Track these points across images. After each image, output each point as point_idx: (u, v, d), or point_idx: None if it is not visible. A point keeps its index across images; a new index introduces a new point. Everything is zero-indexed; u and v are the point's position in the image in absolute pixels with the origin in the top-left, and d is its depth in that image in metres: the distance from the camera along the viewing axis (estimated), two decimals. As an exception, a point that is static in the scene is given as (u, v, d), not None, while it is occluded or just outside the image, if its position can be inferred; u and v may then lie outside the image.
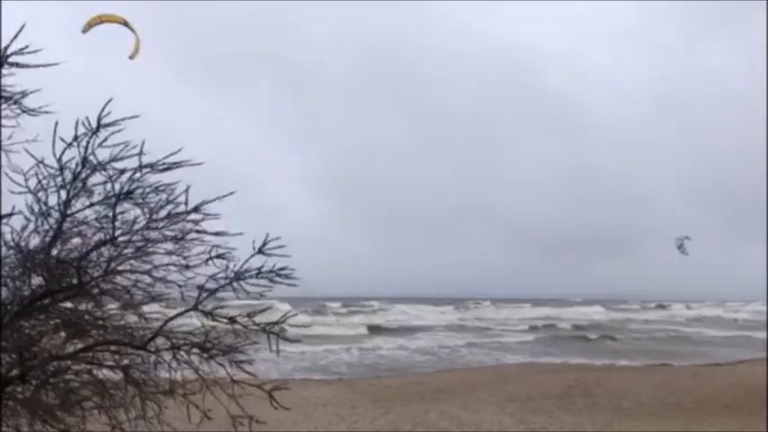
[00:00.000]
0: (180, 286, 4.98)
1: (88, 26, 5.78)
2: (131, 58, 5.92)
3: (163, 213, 4.81)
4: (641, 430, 11.90)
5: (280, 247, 4.82)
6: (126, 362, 4.91)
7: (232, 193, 4.92)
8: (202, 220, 4.83)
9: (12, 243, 4.69)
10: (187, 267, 4.92)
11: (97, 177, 4.77)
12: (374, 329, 40.16)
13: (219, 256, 4.83)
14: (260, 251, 4.81)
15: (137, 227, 4.85)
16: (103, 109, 4.58)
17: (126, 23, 5.94)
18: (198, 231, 4.85)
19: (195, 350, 4.98)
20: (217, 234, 4.86)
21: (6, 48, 4.36)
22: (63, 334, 4.84)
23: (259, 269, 4.86)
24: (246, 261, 4.81)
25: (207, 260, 4.84)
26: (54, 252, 4.78)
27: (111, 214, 4.75)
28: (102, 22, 5.83)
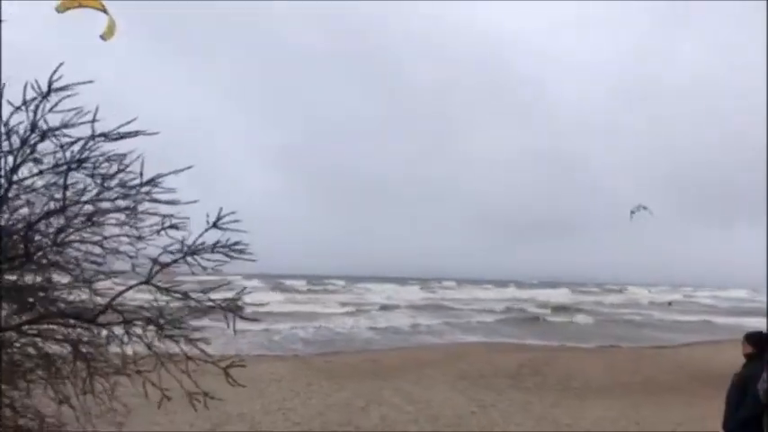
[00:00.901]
0: (131, 257, 4.88)
1: (63, 7, 5.52)
2: (104, 38, 5.68)
3: (115, 183, 4.69)
4: (587, 409, 12.29)
5: (235, 221, 4.74)
6: (74, 336, 4.80)
7: (190, 167, 4.82)
8: (155, 192, 4.72)
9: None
10: (139, 239, 4.81)
11: (48, 145, 4.60)
12: (336, 307, 40.22)
13: (173, 227, 4.73)
14: (215, 225, 4.72)
15: (87, 196, 4.72)
16: (54, 72, 4.40)
17: (104, 9, 5.72)
18: (151, 201, 4.74)
19: (149, 326, 4.91)
20: (170, 203, 4.75)
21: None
22: (7, 306, 4.69)
23: (215, 243, 4.80)
24: (201, 235, 4.73)
25: (159, 230, 4.73)
26: (-1, 221, 4.61)
27: (61, 183, 4.59)
28: (80, 6, 5.59)
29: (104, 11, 5.68)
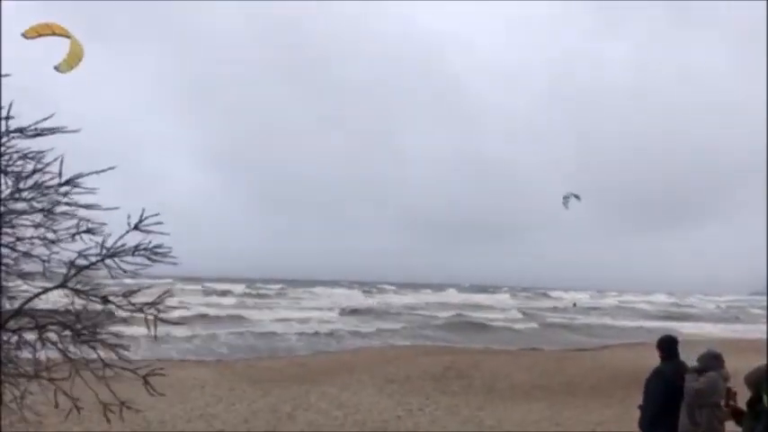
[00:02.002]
0: (44, 261, 4.73)
1: (36, 33, 5.31)
2: (59, 69, 5.49)
3: (30, 183, 4.54)
4: (511, 411, 12.69)
5: (158, 223, 4.68)
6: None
7: (111, 168, 4.73)
8: (74, 192, 4.60)
9: None
10: (52, 242, 4.67)
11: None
12: (266, 311, 39.53)
13: (89, 231, 4.63)
14: (136, 227, 4.65)
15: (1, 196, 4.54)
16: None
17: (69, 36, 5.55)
18: (68, 204, 4.61)
19: (64, 331, 4.77)
20: (89, 207, 4.64)
21: None
22: None
23: (136, 246, 4.71)
24: (121, 237, 4.64)
25: (74, 235, 4.62)
26: None
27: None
28: (53, 33, 5.43)
29: (69, 37, 5.53)
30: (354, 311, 43.40)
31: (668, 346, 6.40)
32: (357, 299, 58.83)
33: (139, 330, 4.99)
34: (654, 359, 6.50)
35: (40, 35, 5.37)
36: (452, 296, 69.44)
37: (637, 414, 6.43)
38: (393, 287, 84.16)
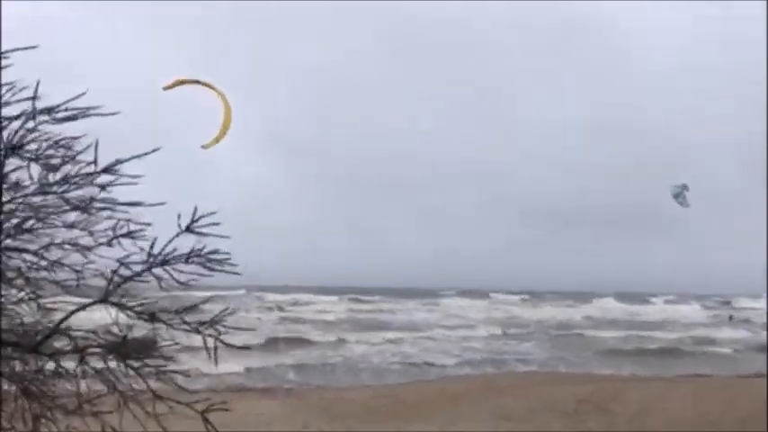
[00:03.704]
0: (77, 272, 4.93)
1: (180, 83, 5.88)
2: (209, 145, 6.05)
3: (62, 174, 4.73)
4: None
5: (214, 224, 4.74)
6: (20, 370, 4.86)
7: (156, 149, 4.83)
8: (114, 183, 4.75)
9: None
10: (87, 249, 4.86)
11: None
12: (341, 327, 40.03)
13: (128, 235, 4.77)
14: (188, 229, 4.73)
15: (28, 190, 4.76)
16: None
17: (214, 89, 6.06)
18: (106, 200, 4.77)
19: (109, 355, 4.92)
20: (131, 204, 4.78)
21: None
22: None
23: (190, 252, 4.79)
24: (171, 241, 4.74)
25: (113, 239, 4.77)
26: None
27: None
28: (197, 82, 5.96)
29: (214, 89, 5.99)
30: (455, 326, 43.11)
31: None
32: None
33: (197, 353, 5.09)
34: None
35: (182, 83, 5.86)
36: (610, 307, 67.62)
37: None
38: (522, 295, 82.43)
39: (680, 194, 13.60)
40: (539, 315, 56.07)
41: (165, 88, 5.76)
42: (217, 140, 5.98)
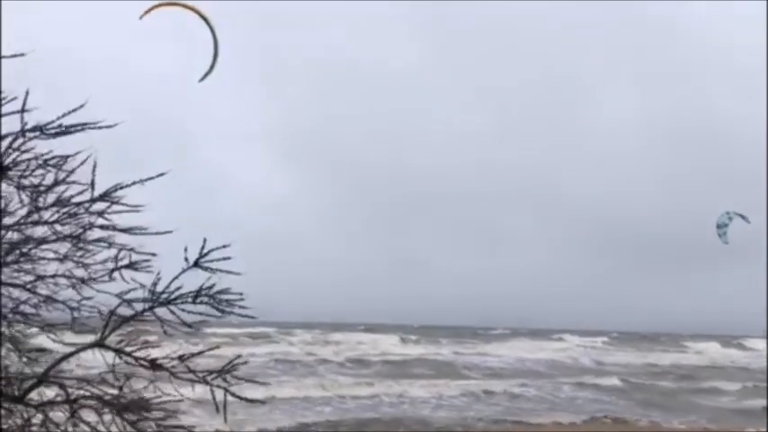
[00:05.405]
0: (72, 309, 4.44)
1: (157, 6, 6.11)
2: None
3: (52, 199, 4.26)
4: None
5: (225, 258, 4.30)
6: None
7: (161, 174, 4.42)
8: (111, 210, 4.27)
9: None
10: (83, 282, 4.36)
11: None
12: (378, 372, 38.62)
13: (131, 266, 4.25)
14: (196, 264, 4.30)
15: (14, 219, 4.29)
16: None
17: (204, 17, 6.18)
18: (103, 227, 4.27)
19: (104, 408, 4.50)
20: (131, 231, 4.29)
21: None
22: None
23: (198, 291, 4.36)
24: (177, 277, 4.28)
25: (112, 271, 4.27)
26: None
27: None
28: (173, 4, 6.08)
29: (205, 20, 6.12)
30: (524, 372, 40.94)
31: None
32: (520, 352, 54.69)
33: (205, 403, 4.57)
34: None
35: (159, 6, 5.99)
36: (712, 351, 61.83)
37: None
38: (606, 338, 69.38)
39: (724, 226, 12.50)
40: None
41: (142, 16, 5.95)
42: (211, 69, 6.19)
